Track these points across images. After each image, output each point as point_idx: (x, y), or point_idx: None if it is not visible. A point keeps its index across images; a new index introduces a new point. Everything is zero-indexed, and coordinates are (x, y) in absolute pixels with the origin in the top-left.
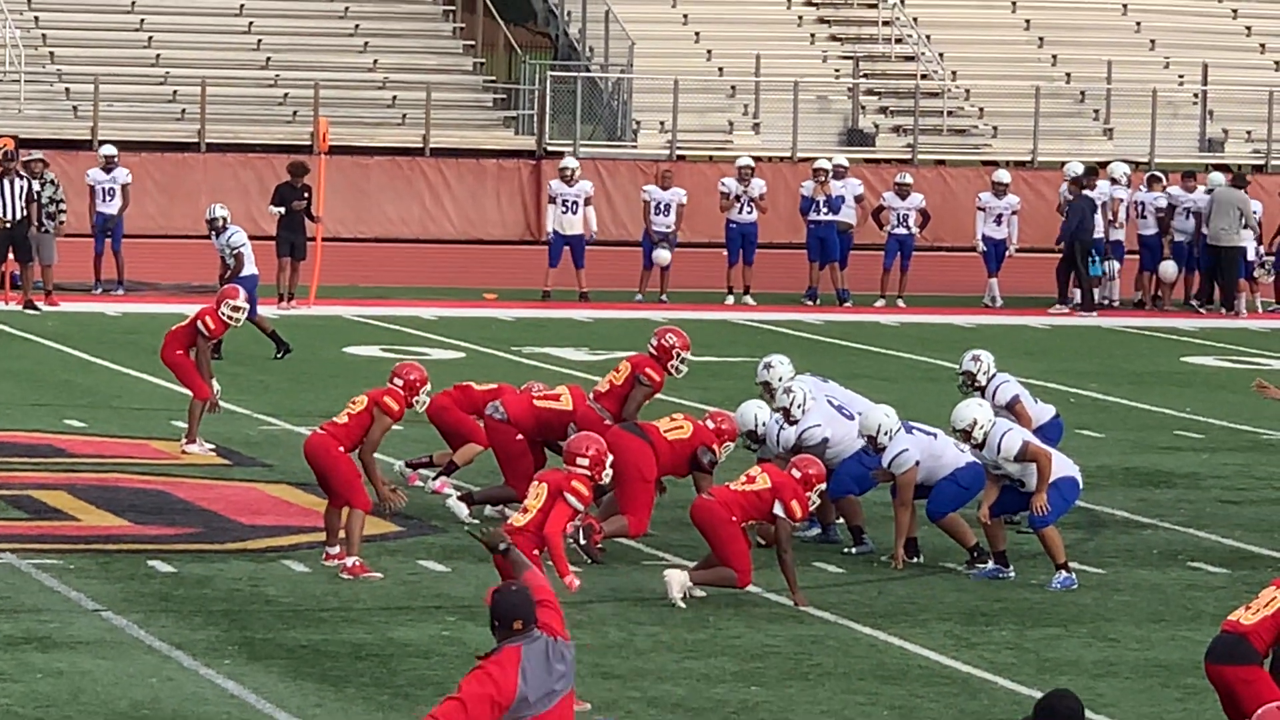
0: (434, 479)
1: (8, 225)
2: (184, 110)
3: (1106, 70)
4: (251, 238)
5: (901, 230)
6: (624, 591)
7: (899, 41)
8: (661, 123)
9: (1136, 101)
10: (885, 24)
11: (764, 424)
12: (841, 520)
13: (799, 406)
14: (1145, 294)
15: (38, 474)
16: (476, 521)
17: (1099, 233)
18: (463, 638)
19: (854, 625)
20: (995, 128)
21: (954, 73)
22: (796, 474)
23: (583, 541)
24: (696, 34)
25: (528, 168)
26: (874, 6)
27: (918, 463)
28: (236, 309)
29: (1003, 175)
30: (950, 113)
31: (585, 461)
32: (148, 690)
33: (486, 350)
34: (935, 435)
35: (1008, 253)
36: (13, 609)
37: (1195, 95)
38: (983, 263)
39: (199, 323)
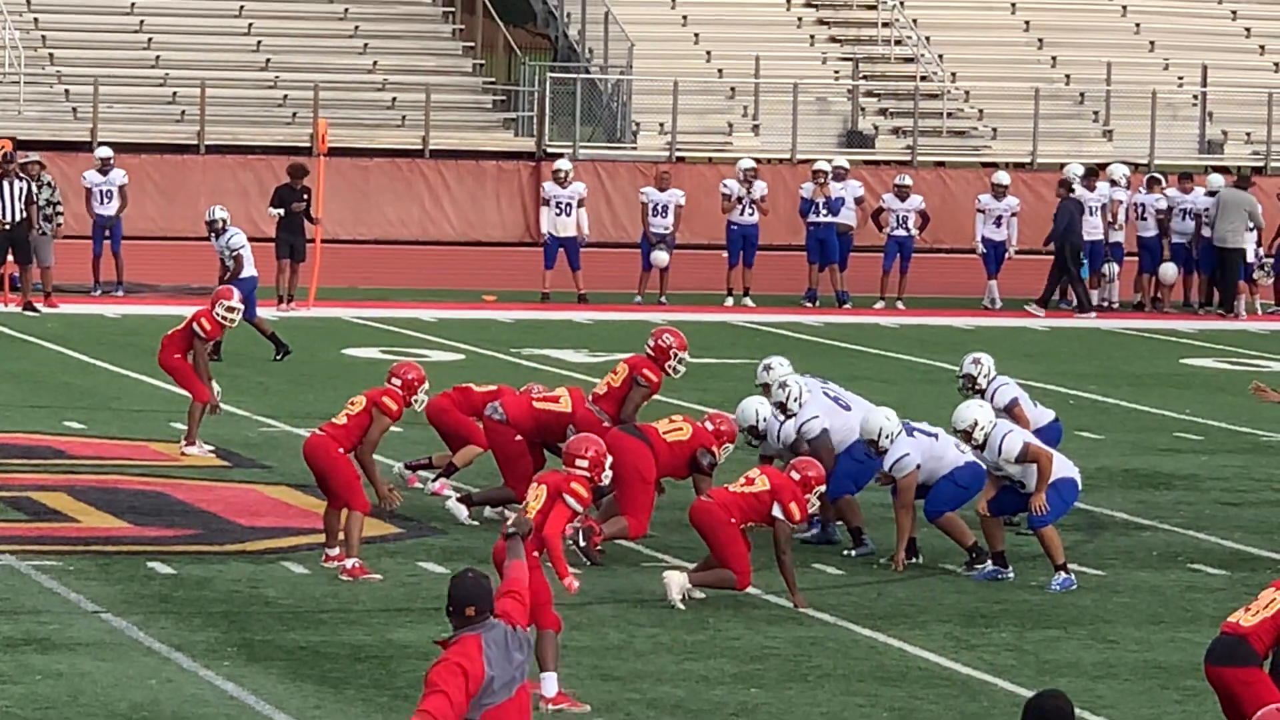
0: (433, 481)
1: (7, 227)
2: (183, 112)
3: (1106, 72)
4: (251, 239)
5: (901, 232)
6: (623, 593)
7: (898, 43)
8: (661, 124)
9: (1136, 103)
10: (885, 26)
11: (764, 420)
12: (840, 522)
13: (795, 400)
14: (1145, 296)
15: (37, 475)
16: (476, 523)
17: (1099, 234)
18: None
19: (853, 627)
20: (995, 129)
21: (953, 74)
22: (795, 476)
23: (582, 543)
24: (696, 35)
25: (527, 169)
26: (873, 8)
27: (919, 466)
28: (231, 309)
29: (1002, 177)
30: (950, 114)
31: (584, 463)
32: (147, 692)
33: (486, 352)
34: (936, 436)
35: (1007, 254)
36: (12, 610)
37: (1195, 97)
38: (982, 264)
39: (194, 325)
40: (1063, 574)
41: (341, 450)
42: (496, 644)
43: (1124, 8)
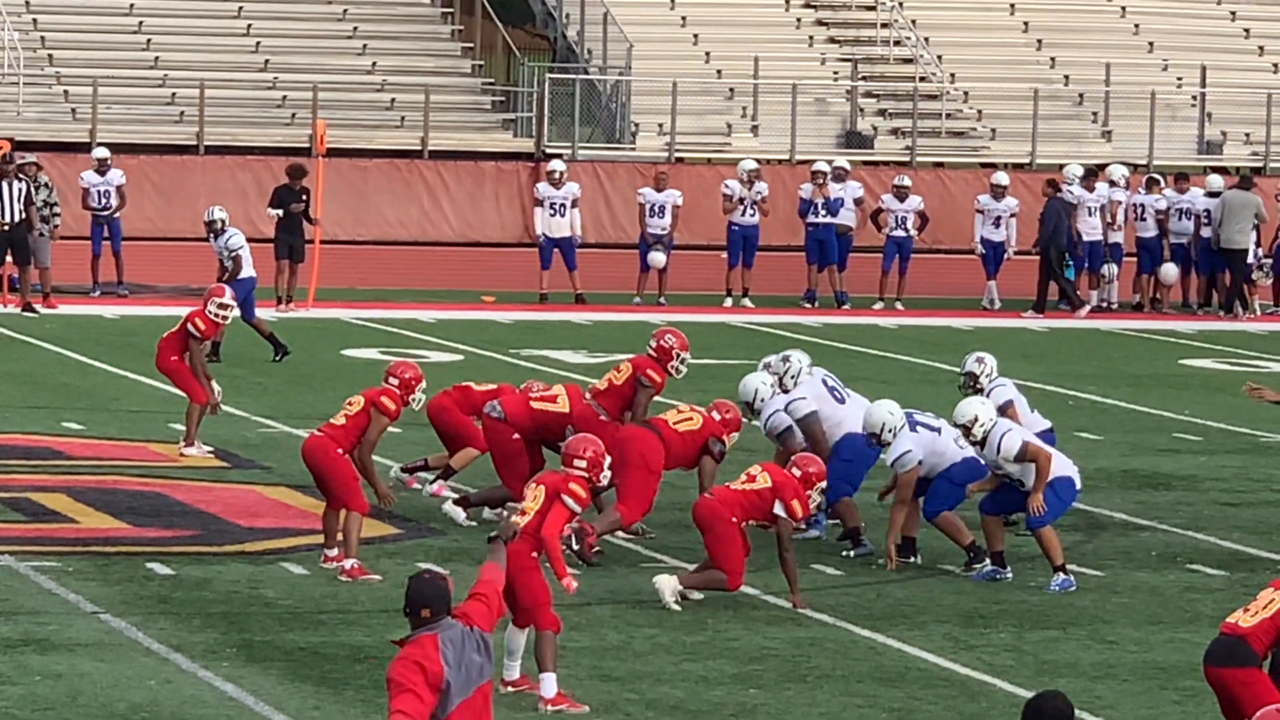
0: (431, 482)
1: (6, 228)
2: (182, 112)
3: (1105, 72)
4: (250, 240)
5: (900, 233)
6: (622, 594)
7: (897, 44)
8: (660, 125)
9: (1135, 104)
10: (884, 26)
11: (763, 400)
12: (835, 521)
13: (792, 377)
14: (1144, 296)
15: (36, 476)
16: (475, 524)
17: (1097, 235)
18: None
19: (852, 628)
20: (994, 130)
21: (952, 75)
22: (797, 473)
23: (576, 546)
24: (695, 36)
25: (526, 170)
26: (872, 9)
27: (921, 461)
28: (224, 306)
29: (1001, 178)
30: (949, 115)
31: (582, 463)
32: (146, 692)
33: (485, 353)
34: (939, 430)
35: (1006, 255)
36: (11, 611)
37: (1194, 97)
38: (981, 265)
39: (189, 325)
40: (1061, 575)
41: (340, 451)
42: (453, 644)
43: (1123, 8)
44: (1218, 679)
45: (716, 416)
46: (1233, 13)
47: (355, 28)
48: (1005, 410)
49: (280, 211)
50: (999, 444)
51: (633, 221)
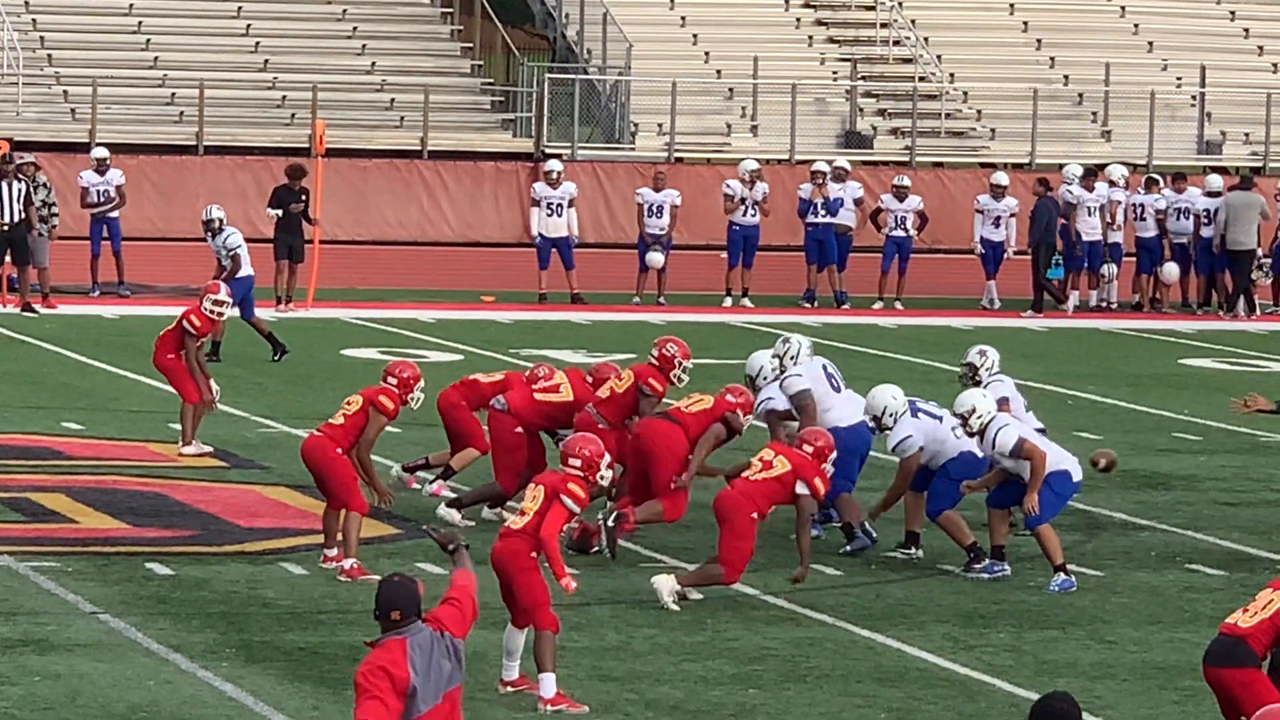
0: (431, 482)
1: (5, 228)
2: (182, 113)
3: (1104, 72)
4: (249, 240)
5: (899, 232)
6: (621, 594)
7: (897, 44)
8: (659, 125)
9: (1134, 103)
10: (883, 26)
11: (765, 378)
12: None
13: (792, 358)
14: (1143, 296)
15: (35, 476)
16: (472, 523)
17: (1097, 235)
18: None
19: (852, 627)
20: (993, 130)
21: (952, 75)
22: (809, 449)
23: (611, 524)
24: (694, 36)
25: (525, 170)
26: (872, 9)
27: (922, 448)
28: (219, 303)
29: (1001, 178)
30: (948, 115)
31: (577, 463)
32: (145, 693)
33: (484, 353)
34: (940, 419)
35: (1006, 255)
36: (10, 611)
37: (1193, 97)
38: (981, 265)
39: (184, 323)
40: (1061, 575)
41: (339, 451)
42: (421, 649)
43: (1122, 8)
44: (1217, 679)
45: (730, 399)
46: (1232, 12)
47: (355, 28)
48: (1000, 407)
49: (279, 211)
50: (995, 438)
51: (632, 222)
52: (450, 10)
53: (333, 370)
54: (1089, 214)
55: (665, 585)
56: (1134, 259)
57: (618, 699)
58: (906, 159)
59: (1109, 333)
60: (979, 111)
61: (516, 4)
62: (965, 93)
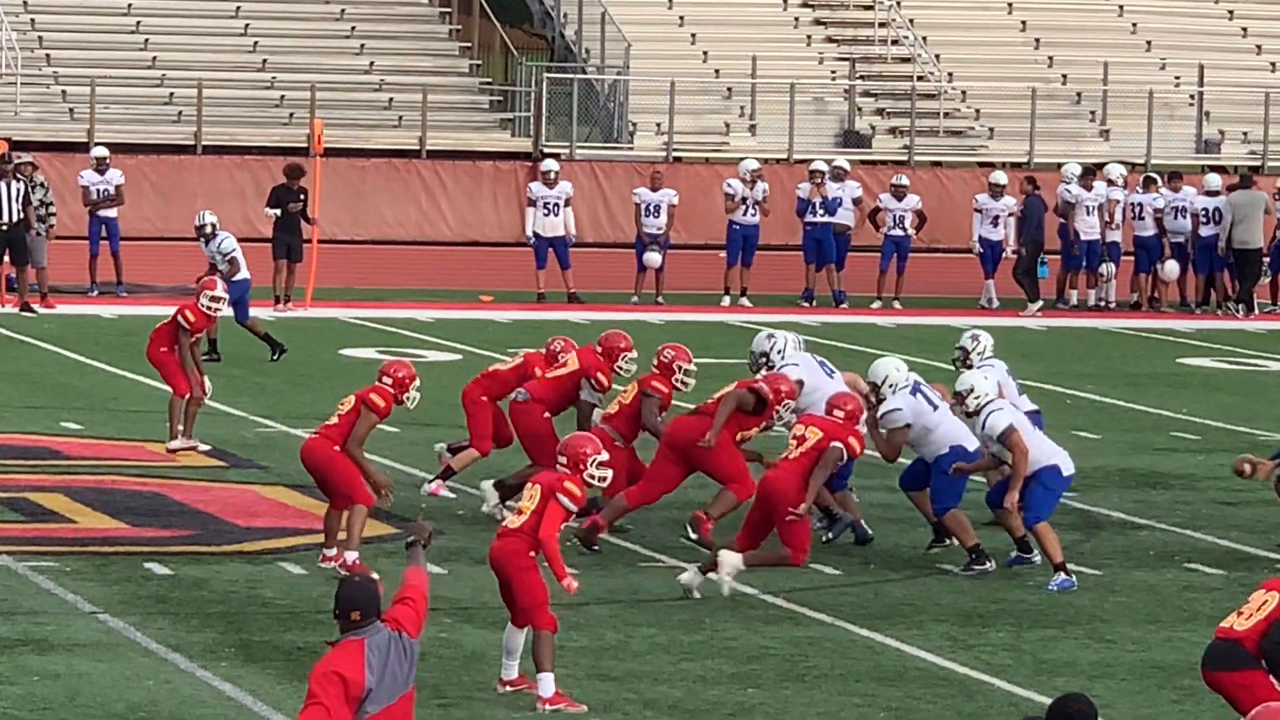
0: (430, 482)
1: (4, 228)
2: (180, 112)
3: (1103, 71)
4: (248, 240)
5: (898, 232)
6: (620, 593)
7: (895, 43)
8: (658, 124)
9: (1133, 103)
10: (881, 26)
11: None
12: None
13: (779, 352)
14: (1142, 295)
15: (34, 476)
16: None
17: (1095, 234)
18: (459, 640)
19: (851, 627)
20: (991, 129)
21: (950, 74)
22: (840, 414)
23: (694, 536)
24: (693, 36)
25: (524, 169)
26: (870, 8)
27: (909, 425)
28: (215, 299)
29: (999, 177)
30: (946, 114)
31: (571, 460)
32: (145, 692)
33: (482, 352)
34: (936, 407)
35: (1004, 254)
36: (9, 611)
37: (1191, 96)
38: (979, 264)
39: (179, 317)
40: (1061, 574)
41: (337, 448)
42: (379, 650)
43: (1120, 7)
44: (1217, 683)
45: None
46: (1230, 11)
47: (353, 27)
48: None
49: (278, 211)
50: (986, 420)
51: (630, 221)
52: (448, 10)
53: (331, 370)
54: (1087, 213)
55: (730, 561)
56: (1132, 258)
57: (616, 698)
58: (905, 158)
59: (1107, 332)
60: (977, 111)
61: (515, 3)
62: (963, 92)
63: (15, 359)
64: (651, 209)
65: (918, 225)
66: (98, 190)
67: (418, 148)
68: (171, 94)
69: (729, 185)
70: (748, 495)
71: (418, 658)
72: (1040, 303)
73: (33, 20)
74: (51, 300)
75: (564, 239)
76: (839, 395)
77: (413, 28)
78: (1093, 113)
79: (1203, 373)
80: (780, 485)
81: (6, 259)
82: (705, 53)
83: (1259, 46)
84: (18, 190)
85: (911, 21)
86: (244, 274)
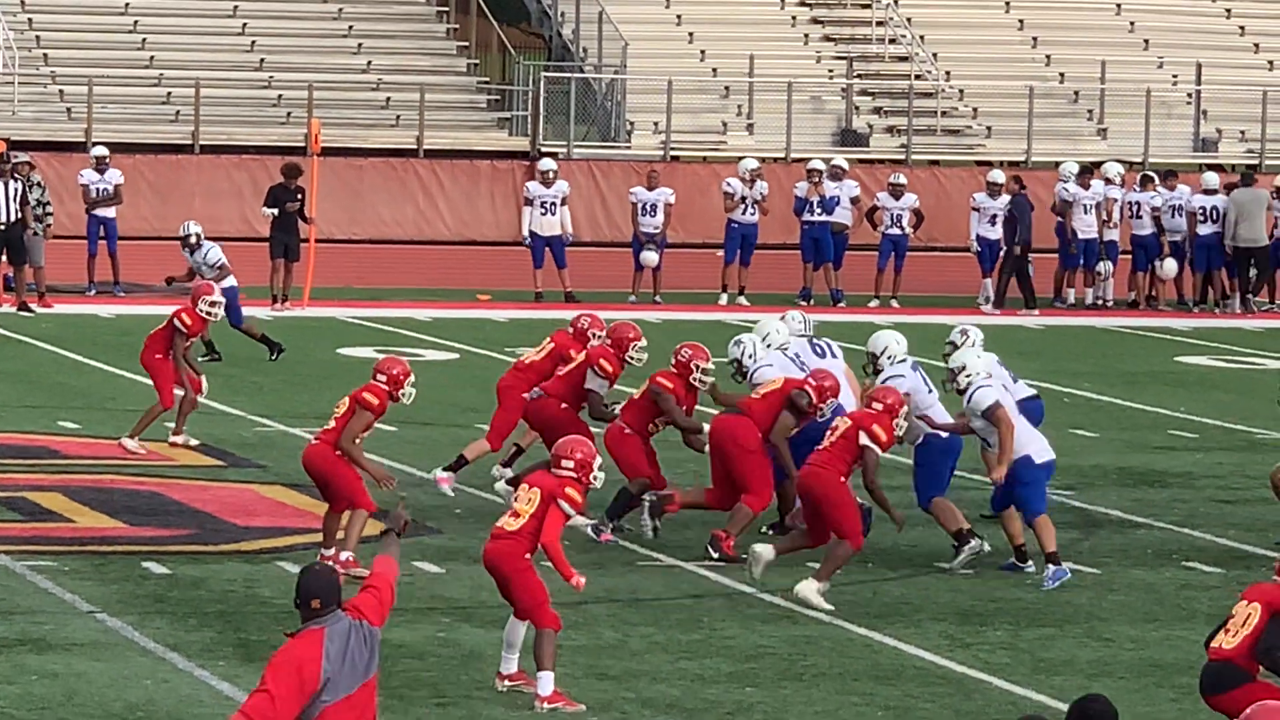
0: (445, 469)
1: (1, 228)
2: (178, 112)
3: (1100, 70)
4: (245, 240)
5: (895, 230)
6: (619, 592)
7: (893, 42)
8: (655, 123)
9: (1130, 101)
10: (879, 24)
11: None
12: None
13: (750, 357)
14: (1139, 294)
15: (32, 476)
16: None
17: (1093, 232)
18: (457, 639)
19: (849, 626)
20: (989, 128)
21: (948, 73)
22: (878, 405)
23: (716, 555)
24: (690, 35)
25: (521, 169)
26: (867, 7)
27: (908, 394)
28: (214, 304)
29: (997, 175)
30: (944, 113)
31: (571, 464)
32: (142, 692)
33: (480, 351)
34: (932, 390)
35: (1002, 253)
36: (7, 611)
37: (1189, 95)
38: (977, 263)
39: (176, 320)
40: (1052, 566)
41: (339, 454)
42: (338, 639)
43: (1118, 6)
44: (1219, 706)
45: (813, 382)
46: (1228, 10)
47: (350, 26)
48: None
49: (275, 210)
50: (973, 394)
51: (628, 220)
52: (446, 9)
53: (329, 369)
54: (1085, 212)
55: (810, 589)
56: (1130, 257)
57: (615, 697)
58: (902, 157)
59: (1105, 330)
60: (975, 109)
61: (512, 2)
62: (961, 90)
63: (13, 359)
64: (648, 208)
65: (915, 224)
66: (97, 189)
67: (415, 147)
68: (169, 93)
69: (728, 184)
70: (762, 508)
71: (379, 645)
72: (988, 306)
73: (30, 20)
74: (49, 300)
75: (561, 238)
76: (881, 389)
77: (410, 27)
78: (1090, 111)
79: (1200, 371)
80: (813, 482)
81: (4, 259)
82: (703, 52)
83: (1256, 45)
84: (15, 190)
85: (909, 20)
86: (232, 280)
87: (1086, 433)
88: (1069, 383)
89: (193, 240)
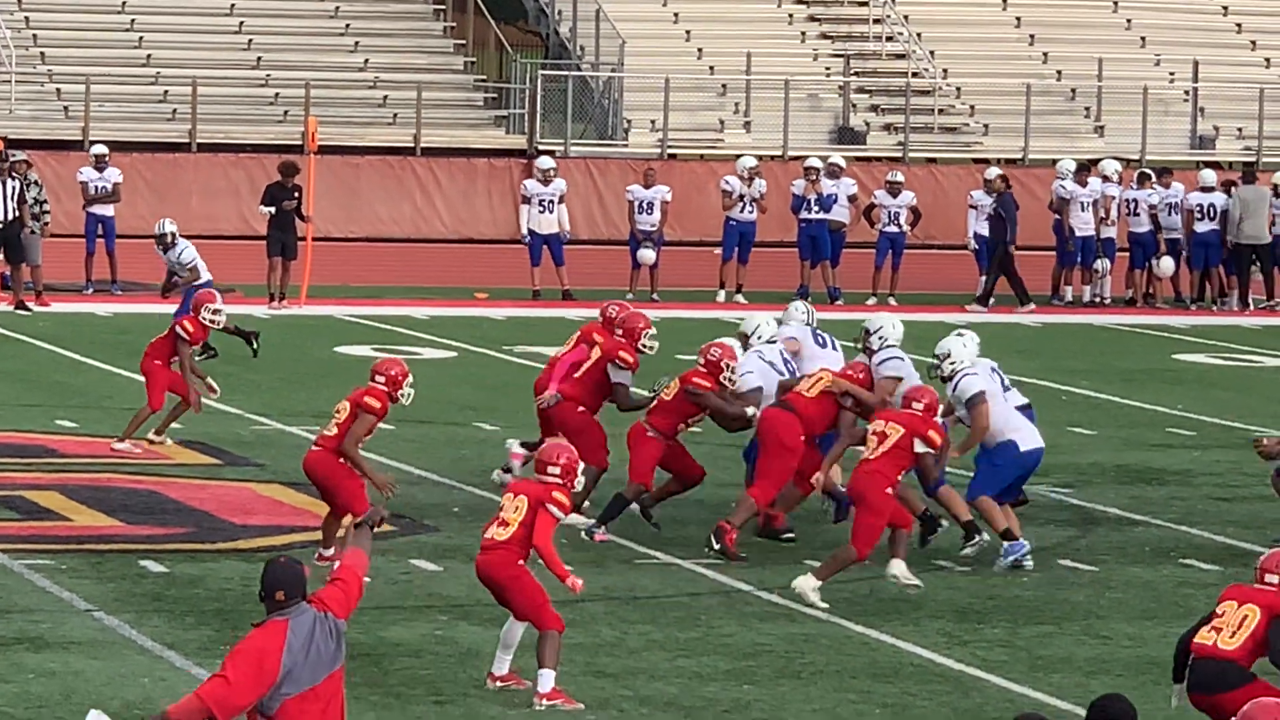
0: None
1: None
2: (175, 110)
3: (1097, 68)
4: (242, 238)
5: (893, 228)
6: (617, 590)
7: (890, 39)
8: (652, 121)
9: (1127, 99)
10: (876, 22)
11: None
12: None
13: (759, 337)
14: (1137, 291)
15: (30, 474)
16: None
17: (1090, 230)
18: (454, 637)
19: (846, 623)
20: (986, 125)
21: (945, 70)
22: (918, 406)
23: (716, 546)
24: (687, 32)
25: (519, 167)
26: (864, 4)
27: (901, 379)
28: (216, 312)
29: (994, 173)
30: (941, 110)
31: (556, 470)
32: (140, 690)
33: (478, 349)
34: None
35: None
36: (5, 609)
37: (1186, 92)
38: (974, 260)
39: (178, 328)
40: (1007, 543)
41: (340, 461)
42: (301, 631)
43: (1115, 3)
44: (1217, 705)
45: (849, 374)
46: (1225, 7)
47: (347, 25)
48: None
49: (273, 209)
50: (959, 383)
51: (625, 218)
52: (443, 7)
53: (326, 367)
54: (1082, 209)
55: (807, 585)
56: (1127, 254)
57: (612, 695)
58: (900, 155)
59: (1102, 328)
60: (972, 107)
61: (509, 1)
62: (958, 88)
63: (10, 357)
64: (644, 206)
65: (912, 222)
66: (96, 187)
67: (412, 145)
68: (166, 92)
69: (726, 182)
70: (766, 503)
71: (344, 638)
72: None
73: (27, 18)
74: (46, 298)
75: (559, 236)
76: (915, 389)
77: (407, 25)
78: (1087, 109)
79: (1198, 368)
80: (868, 479)
81: (1, 257)
82: (700, 49)
83: (1253, 42)
84: (12, 189)
85: (906, 18)
86: (206, 276)
87: (1084, 430)
88: (1066, 380)
89: (168, 239)
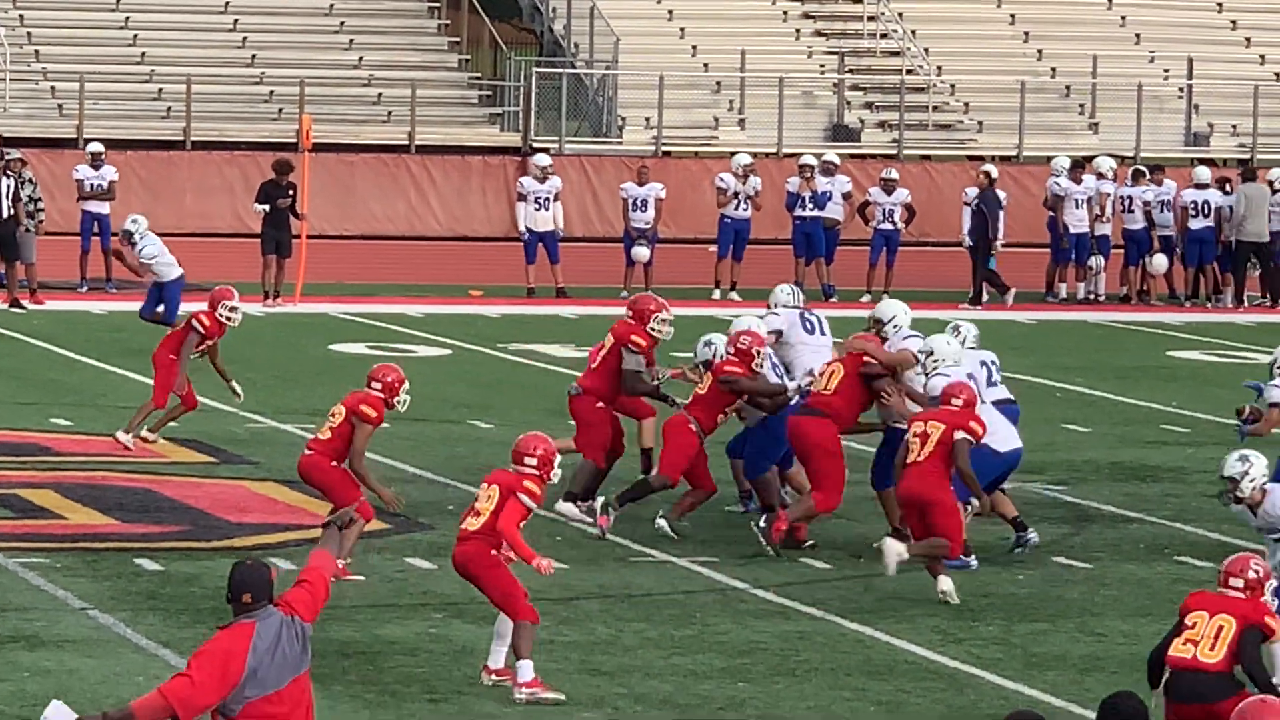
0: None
1: None
2: (169, 108)
3: (1092, 65)
4: (237, 235)
5: (887, 225)
6: (611, 588)
7: (884, 37)
8: (647, 119)
9: (1122, 96)
10: (870, 19)
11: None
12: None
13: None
14: (1131, 289)
15: (24, 473)
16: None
17: (1084, 227)
18: (449, 635)
19: (841, 621)
20: (981, 123)
21: (939, 68)
22: (957, 403)
23: (763, 525)
24: (681, 30)
25: (513, 164)
26: (859, 2)
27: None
28: (234, 309)
29: (989, 170)
30: (935, 108)
31: (534, 461)
32: (135, 688)
33: (473, 347)
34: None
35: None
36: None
37: (1180, 89)
38: (969, 257)
39: (194, 321)
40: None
41: (334, 464)
42: (267, 633)
43: (1109, 0)
44: (1212, 714)
45: (858, 342)
46: (1220, 4)
47: (342, 23)
48: None
49: (267, 207)
50: (930, 380)
51: (619, 216)
52: (437, 5)
53: (321, 365)
54: (1076, 206)
55: (893, 550)
56: (1121, 251)
57: (607, 693)
58: (894, 152)
59: (1097, 325)
60: (966, 104)
61: None
62: (952, 85)
63: (5, 355)
64: (639, 203)
65: (907, 219)
66: (91, 185)
67: (407, 143)
68: (160, 90)
69: (721, 179)
70: (828, 509)
71: (310, 641)
72: (1010, 295)
73: (21, 16)
74: (41, 296)
75: (554, 233)
76: (953, 384)
77: (401, 23)
78: (1082, 106)
79: (1192, 365)
80: (919, 488)
81: None
82: (694, 47)
83: (1248, 39)
84: (7, 187)
85: (900, 15)
86: (178, 270)
87: (1078, 428)
88: (1061, 378)
89: (135, 238)
